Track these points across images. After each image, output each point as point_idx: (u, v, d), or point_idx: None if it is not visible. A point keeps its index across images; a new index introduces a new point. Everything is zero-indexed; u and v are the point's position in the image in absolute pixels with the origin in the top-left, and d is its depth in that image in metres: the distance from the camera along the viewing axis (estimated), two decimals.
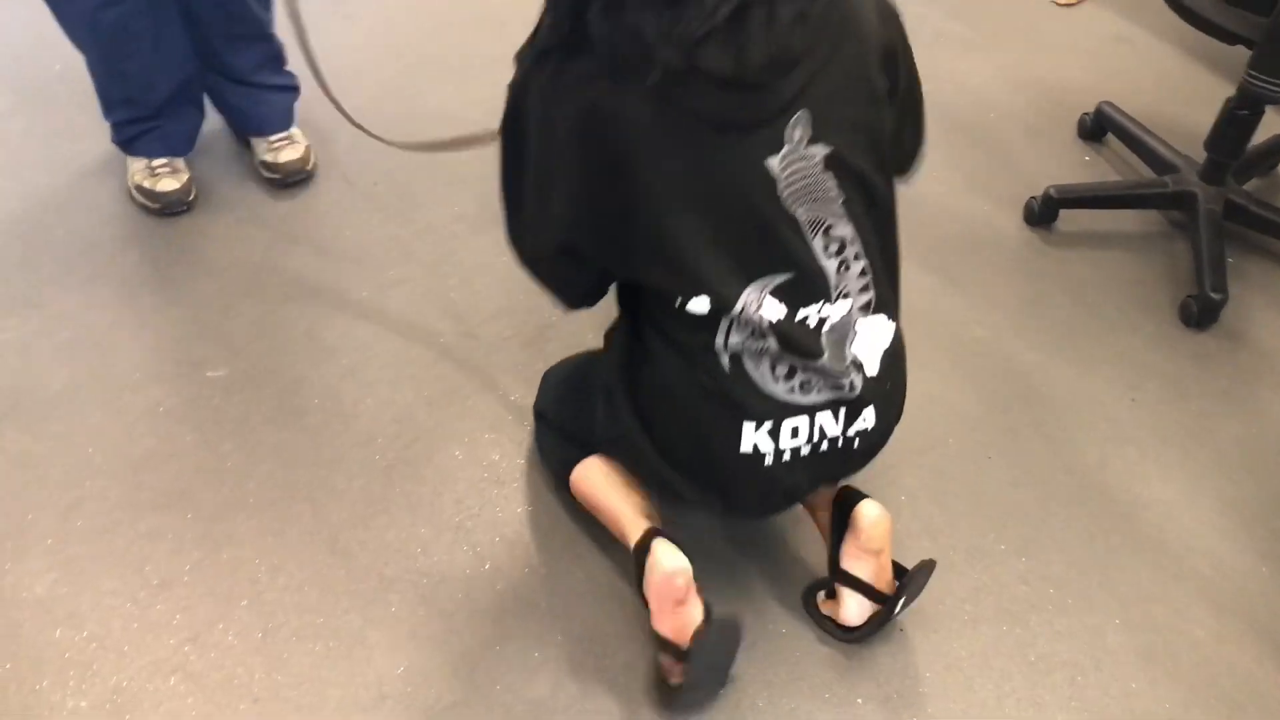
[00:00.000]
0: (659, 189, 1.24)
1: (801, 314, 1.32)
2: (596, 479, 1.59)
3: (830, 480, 1.54)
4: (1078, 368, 2.03)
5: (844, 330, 1.36)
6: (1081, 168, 2.52)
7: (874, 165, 1.31)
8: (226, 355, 1.91)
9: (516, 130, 1.34)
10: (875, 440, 1.45)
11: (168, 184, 2.15)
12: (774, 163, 1.24)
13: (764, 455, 1.38)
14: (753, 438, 1.37)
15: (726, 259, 1.29)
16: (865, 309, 1.37)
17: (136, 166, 2.18)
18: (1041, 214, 2.31)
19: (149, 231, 2.15)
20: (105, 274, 2.05)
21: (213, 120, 2.34)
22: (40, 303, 1.99)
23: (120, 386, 1.85)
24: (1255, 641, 1.62)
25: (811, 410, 1.37)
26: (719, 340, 1.33)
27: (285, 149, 2.23)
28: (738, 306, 1.30)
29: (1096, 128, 2.58)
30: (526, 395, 1.84)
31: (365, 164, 2.33)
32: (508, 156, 1.39)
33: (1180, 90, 2.80)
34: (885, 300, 1.39)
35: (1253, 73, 1.94)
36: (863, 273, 1.35)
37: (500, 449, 1.80)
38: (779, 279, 1.30)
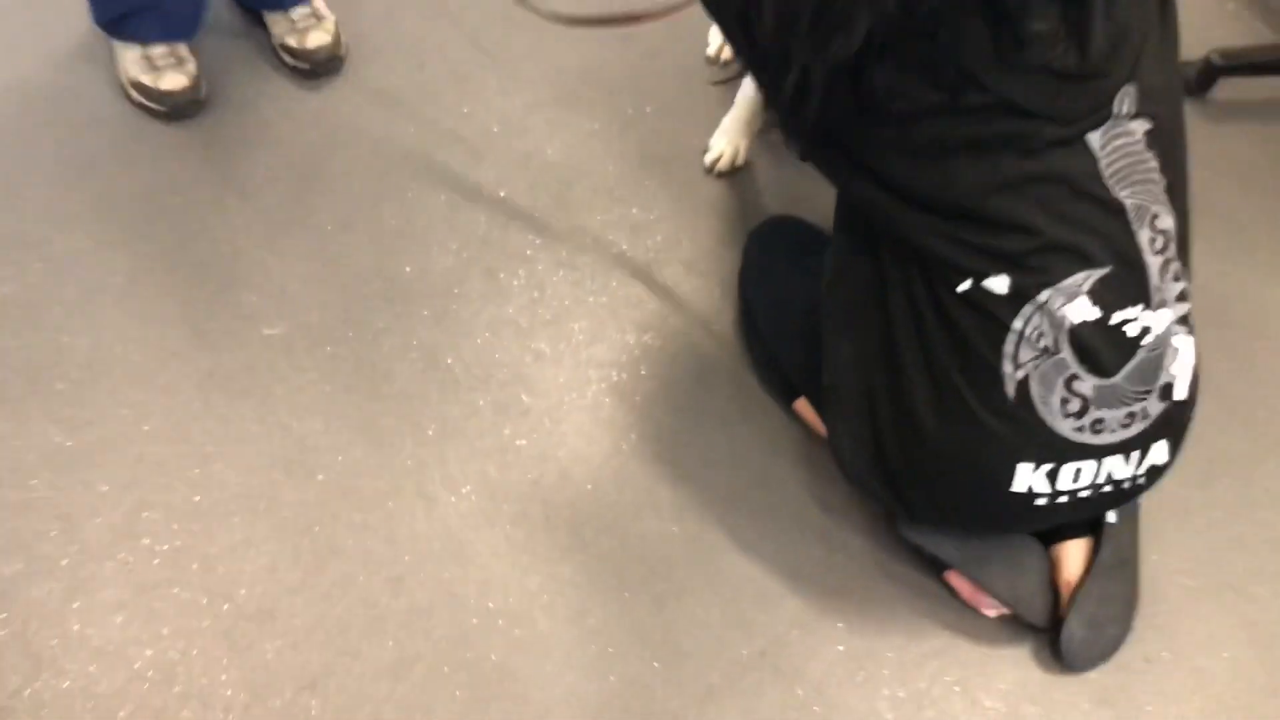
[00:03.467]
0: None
1: (1118, 318, 1.09)
2: None
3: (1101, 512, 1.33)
4: (1259, 270, 1.77)
5: (1161, 346, 1.13)
6: (1225, 19, 2.18)
7: (1185, 138, 1.13)
8: (279, 305, 1.57)
9: None
10: (1162, 475, 1.23)
11: (173, 80, 1.73)
12: (1095, 139, 1.08)
13: (1036, 496, 1.16)
14: (1028, 479, 1.14)
15: (1035, 234, 1.07)
16: (1183, 323, 1.15)
17: (130, 57, 1.75)
18: (1198, 82, 1.99)
19: (156, 140, 1.74)
20: (111, 201, 1.65)
21: None
22: (37, 242, 1.60)
23: (160, 354, 1.51)
24: None
25: (1100, 453, 1.15)
26: (1007, 353, 1.09)
27: (313, 30, 1.81)
28: (1043, 295, 1.06)
29: None
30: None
31: (407, 41, 1.92)
32: None
33: None
34: (1192, 312, 1.17)
35: None
36: (1177, 278, 1.13)
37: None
38: (1097, 273, 1.06)
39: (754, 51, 1.19)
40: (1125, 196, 1.09)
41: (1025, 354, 1.11)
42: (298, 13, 1.82)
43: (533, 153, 1.78)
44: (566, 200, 1.73)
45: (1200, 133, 1.95)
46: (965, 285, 1.11)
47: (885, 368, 1.21)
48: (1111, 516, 1.36)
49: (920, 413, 1.18)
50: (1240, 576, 1.44)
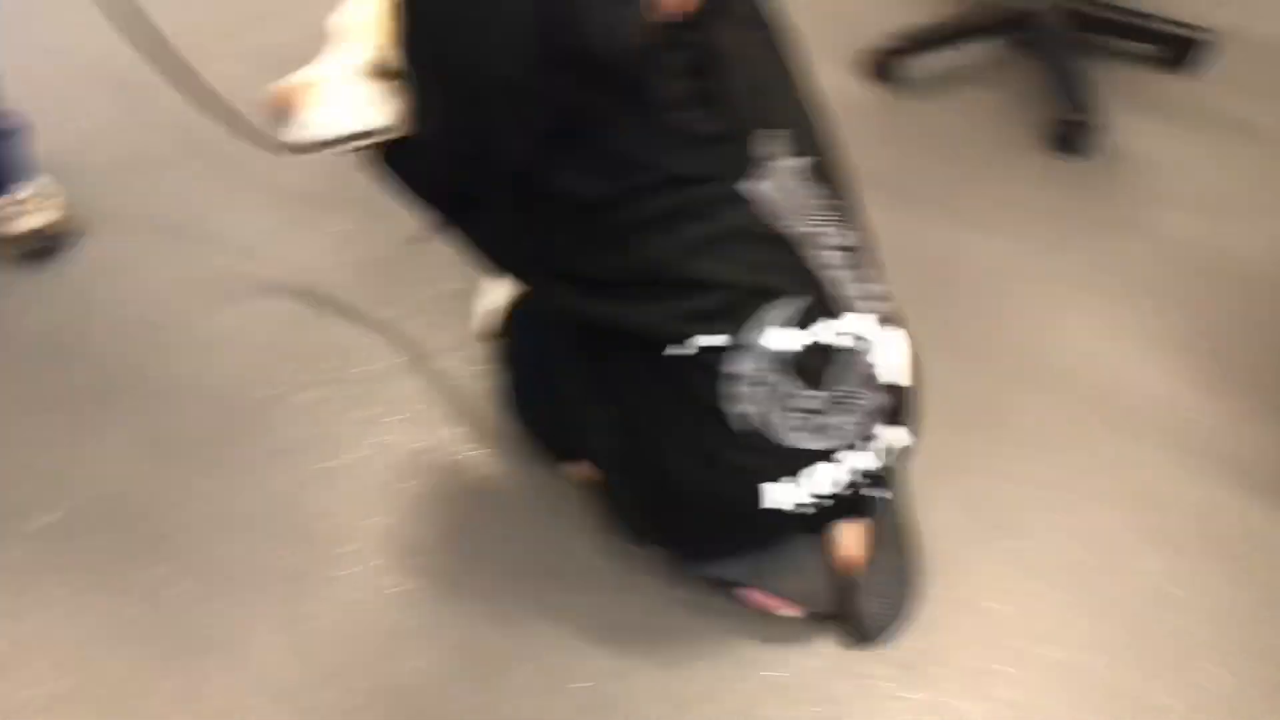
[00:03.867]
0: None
1: (818, 334, 1.20)
2: None
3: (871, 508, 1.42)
4: (967, 229, 1.92)
5: (864, 348, 1.24)
6: (901, 3, 2.36)
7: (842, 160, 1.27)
8: (52, 492, 1.56)
9: None
10: (909, 453, 1.36)
11: None
12: (761, 187, 1.18)
13: (794, 507, 1.26)
14: (778, 496, 1.24)
15: (727, 287, 1.19)
16: (883, 320, 1.27)
17: None
18: (883, 67, 2.15)
19: None
20: None
21: None
22: None
23: None
24: (1231, 480, 1.60)
25: (838, 452, 1.25)
26: (728, 395, 1.19)
27: (36, 211, 1.80)
28: (749, 337, 1.17)
29: None
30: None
31: (136, 202, 1.93)
32: None
33: None
34: (893, 307, 1.30)
35: None
36: (867, 282, 1.25)
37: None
38: (792, 302, 1.18)
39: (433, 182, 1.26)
40: (800, 229, 1.20)
41: (745, 390, 1.20)
42: (22, 193, 1.81)
43: (274, 283, 1.81)
44: (315, 325, 1.76)
45: (897, 112, 2.12)
46: (675, 349, 1.19)
47: (630, 430, 1.29)
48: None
49: (669, 466, 1.26)
50: (1008, 513, 1.56)
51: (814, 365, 1.21)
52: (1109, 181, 2.01)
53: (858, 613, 1.42)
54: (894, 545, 1.47)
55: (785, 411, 1.21)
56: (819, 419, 1.23)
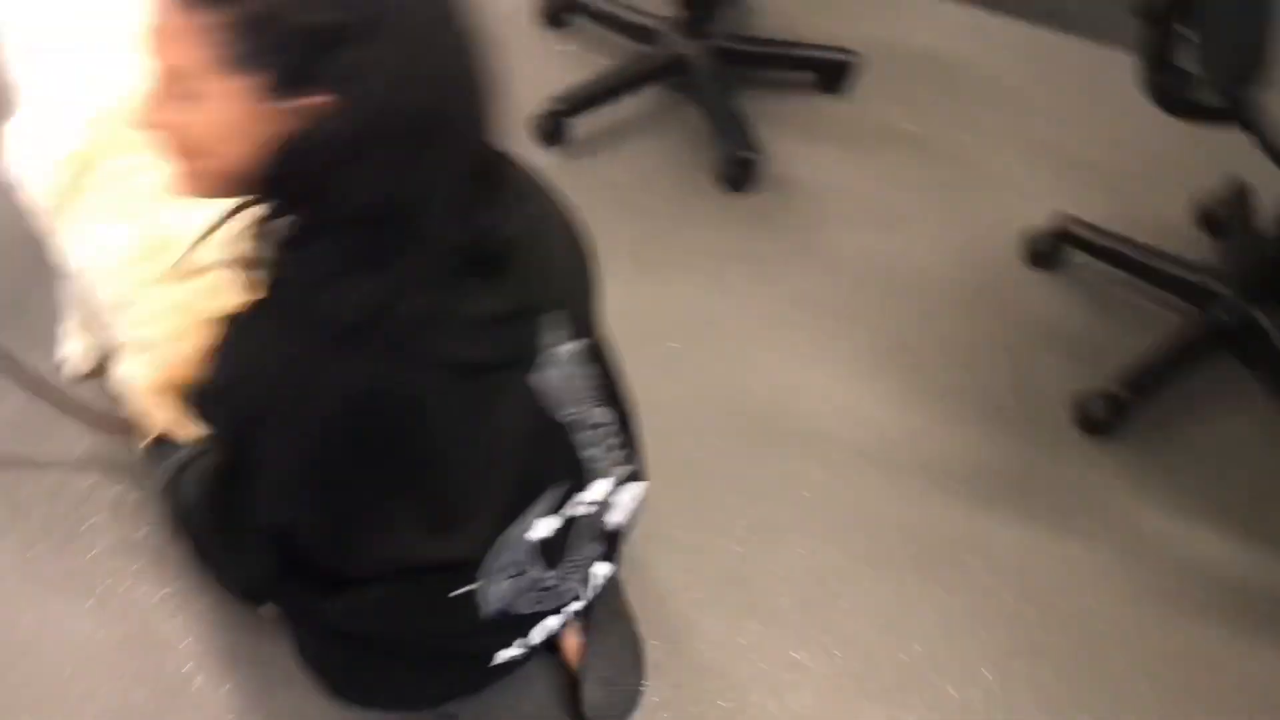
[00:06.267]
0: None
1: (568, 513, 1.17)
2: None
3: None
4: (657, 281, 1.91)
5: (603, 509, 1.22)
6: (562, 61, 2.34)
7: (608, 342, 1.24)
8: None
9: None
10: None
11: None
12: (541, 376, 1.09)
13: (516, 656, 1.25)
14: (507, 653, 1.24)
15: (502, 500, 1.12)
16: (627, 479, 1.26)
17: None
18: (549, 131, 2.11)
19: None
20: None
21: None
22: None
23: None
24: (937, 489, 1.63)
25: (560, 600, 1.23)
26: (479, 599, 1.13)
27: None
28: (512, 535, 1.12)
29: (555, 14, 2.40)
30: None
31: None
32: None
33: None
34: (640, 463, 1.30)
35: None
36: (618, 448, 1.23)
37: None
38: (554, 490, 1.14)
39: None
40: (569, 415, 1.13)
41: (495, 590, 1.14)
42: None
43: None
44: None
45: (570, 173, 2.08)
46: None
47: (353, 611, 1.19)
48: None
49: (402, 638, 1.21)
50: (730, 566, 1.53)
51: (558, 543, 1.18)
52: (782, 211, 2.04)
53: (587, 701, 1.38)
54: (615, 629, 1.44)
55: (528, 593, 1.18)
56: (553, 590, 1.21)
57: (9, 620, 1.44)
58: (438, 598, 1.12)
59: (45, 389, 1.59)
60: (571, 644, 1.40)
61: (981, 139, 2.21)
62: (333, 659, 1.27)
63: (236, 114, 0.91)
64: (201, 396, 1.06)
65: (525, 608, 1.19)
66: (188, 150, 0.96)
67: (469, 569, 1.11)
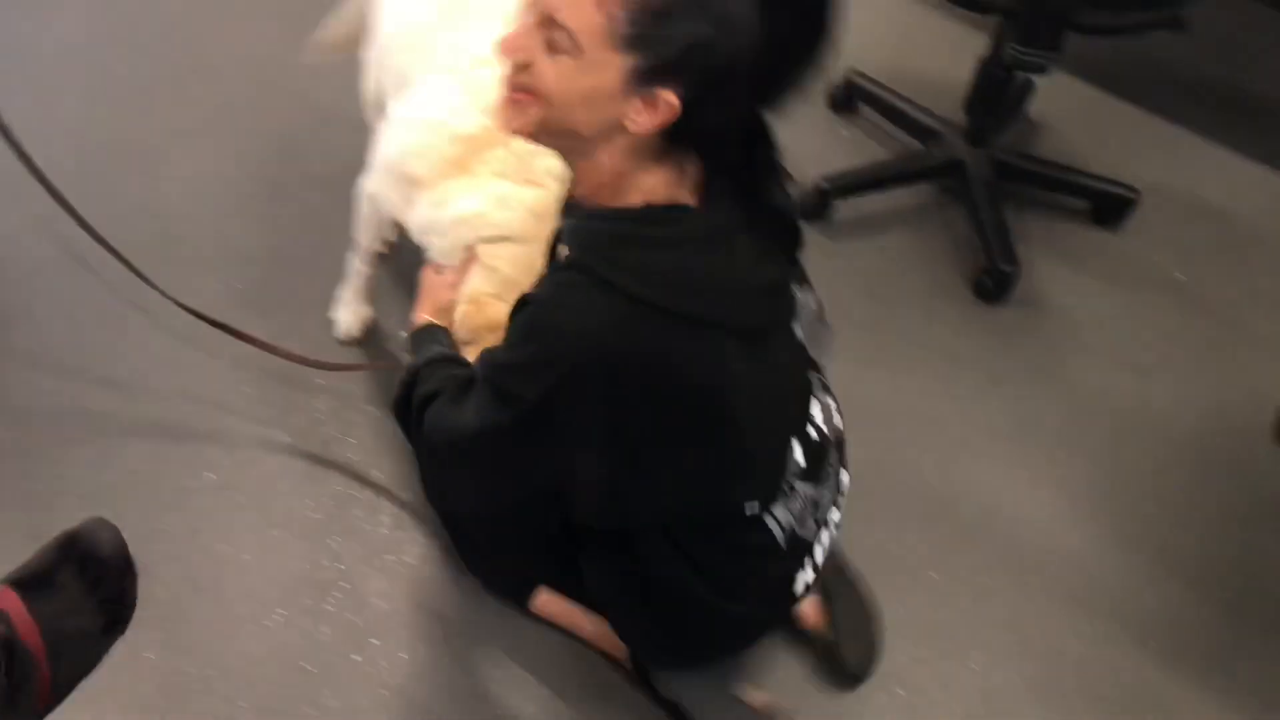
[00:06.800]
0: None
1: (809, 434, 1.29)
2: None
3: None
4: (889, 371, 1.94)
5: (829, 417, 1.34)
6: (841, 145, 2.42)
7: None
8: None
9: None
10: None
11: None
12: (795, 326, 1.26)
13: (802, 590, 1.37)
14: (804, 579, 1.35)
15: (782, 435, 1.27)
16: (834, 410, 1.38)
17: None
18: (815, 208, 2.19)
19: None
20: None
21: None
22: None
23: None
24: (1129, 640, 1.58)
25: (823, 519, 1.36)
26: (776, 526, 1.28)
27: None
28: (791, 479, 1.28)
29: (847, 99, 2.48)
30: None
31: (51, 300, 1.93)
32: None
33: (925, 45, 2.73)
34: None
35: (1015, 46, 1.87)
36: (826, 391, 1.36)
37: None
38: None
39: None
40: (814, 372, 1.33)
41: (783, 515, 1.28)
42: None
43: (189, 386, 1.80)
44: (233, 432, 1.75)
45: (826, 252, 2.15)
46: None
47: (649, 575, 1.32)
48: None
49: (699, 596, 1.30)
50: (899, 662, 1.54)
51: (814, 458, 1.29)
52: (1028, 330, 2.03)
53: (843, 654, 1.50)
54: (847, 588, 1.56)
55: (801, 512, 1.30)
56: (819, 505, 1.33)
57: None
58: (741, 536, 1.25)
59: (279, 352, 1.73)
60: (813, 614, 1.51)
61: (1254, 301, 2.13)
62: (643, 625, 1.39)
63: (592, 83, 1.00)
64: (523, 346, 1.11)
65: (801, 527, 1.29)
66: (533, 91, 1.04)
67: (765, 504, 1.24)
